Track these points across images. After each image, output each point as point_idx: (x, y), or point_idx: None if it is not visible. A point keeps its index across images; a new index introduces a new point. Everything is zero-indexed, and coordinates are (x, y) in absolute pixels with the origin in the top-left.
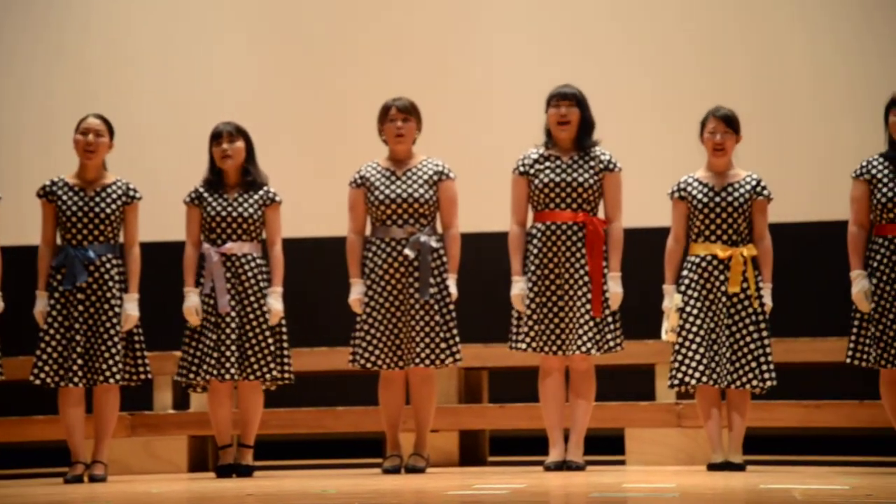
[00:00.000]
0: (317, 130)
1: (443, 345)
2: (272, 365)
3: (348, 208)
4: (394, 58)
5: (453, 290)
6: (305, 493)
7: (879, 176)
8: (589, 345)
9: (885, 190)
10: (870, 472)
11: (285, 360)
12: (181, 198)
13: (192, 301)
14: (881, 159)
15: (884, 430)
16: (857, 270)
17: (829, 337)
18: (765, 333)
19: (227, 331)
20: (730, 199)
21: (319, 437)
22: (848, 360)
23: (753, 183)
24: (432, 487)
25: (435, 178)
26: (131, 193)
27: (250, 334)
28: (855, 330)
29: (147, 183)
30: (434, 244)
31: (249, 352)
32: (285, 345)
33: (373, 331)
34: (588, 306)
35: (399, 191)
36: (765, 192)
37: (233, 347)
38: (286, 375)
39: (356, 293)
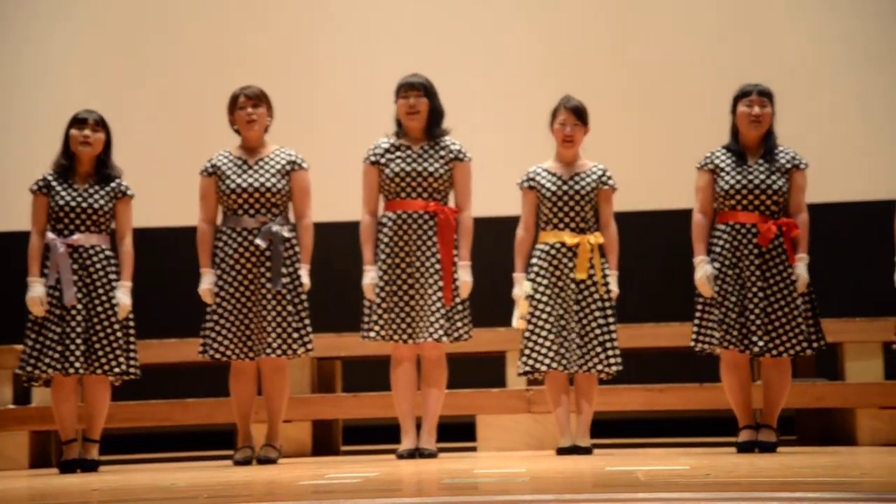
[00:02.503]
0: (167, 121)
1: (295, 335)
2: (121, 359)
3: (199, 197)
4: (245, 47)
5: (306, 279)
6: (153, 487)
7: (722, 166)
8: (440, 333)
9: (727, 178)
10: (709, 453)
11: (132, 354)
12: (27, 186)
13: (36, 291)
14: (724, 150)
15: (723, 412)
16: (701, 256)
17: (672, 322)
18: (611, 320)
19: (73, 324)
20: (577, 188)
21: (168, 429)
22: (692, 345)
23: (599, 173)
24: (284, 478)
25: (287, 167)
26: None
27: (97, 328)
28: (698, 314)
29: None
30: (286, 234)
31: (97, 345)
32: (132, 339)
33: (223, 321)
34: (439, 294)
35: (251, 180)
36: (610, 182)
37: (78, 341)
38: (132, 370)
39: (206, 283)
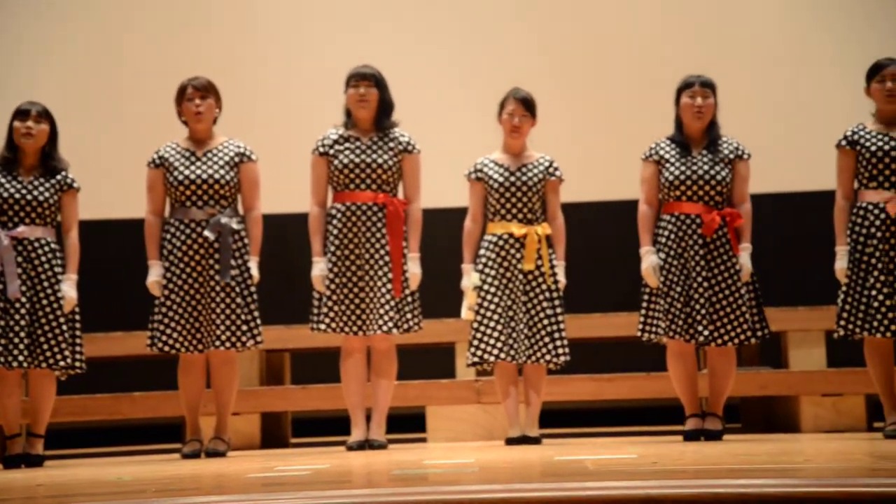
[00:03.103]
0: (114, 112)
1: (244, 327)
2: (66, 353)
3: (146, 189)
4: (192, 38)
5: (255, 272)
6: (99, 482)
7: (667, 157)
8: (390, 324)
9: (672, 169)
10: (656, 441)
11: (77, 348)
12: None
13: None
14: (668, 141)
15: (669, 401)
16: (646, 247)
17: (619, 312)
18: (559, 310)
19: (17, 317)
20: (524, 179)
21: (115, 423)
22: (639, 334)
23: (546, 164)
24: (233, 471)
25: (236, 159)
26: None
27: (42, 321)
28: (644, 304)
29: None
30: (235, 226)
31: (42, 339)
32: (78, 332)
33: (171, 314)
34: (389, 286)
35: (199, 172)
36: (557, 173)
37: (21, 334)
38: (78, 364)
39: (154, 275)
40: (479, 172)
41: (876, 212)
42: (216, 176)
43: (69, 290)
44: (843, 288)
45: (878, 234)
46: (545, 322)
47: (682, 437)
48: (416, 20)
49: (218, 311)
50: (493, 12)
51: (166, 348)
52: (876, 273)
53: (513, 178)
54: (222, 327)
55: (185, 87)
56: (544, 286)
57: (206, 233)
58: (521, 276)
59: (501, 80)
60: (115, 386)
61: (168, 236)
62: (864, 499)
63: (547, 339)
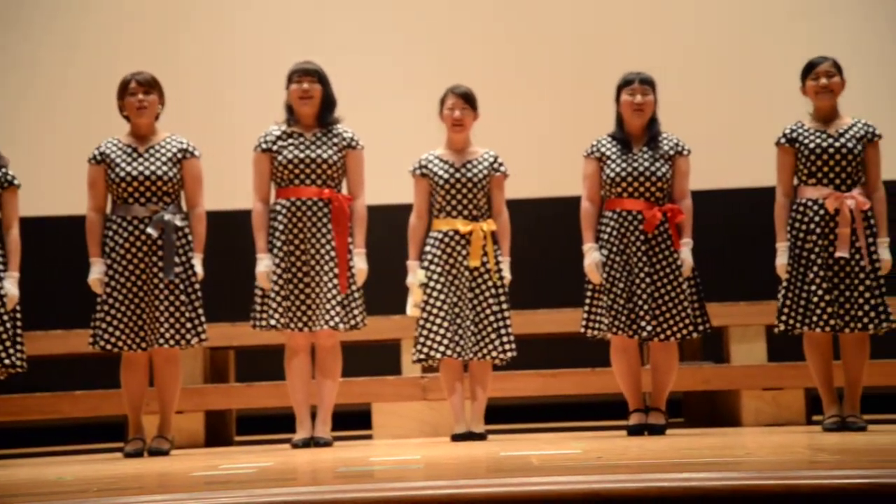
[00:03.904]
0: (54, 108)
1: (188, 325)
2: (10, 351)
3: (87, 185)
4: (134, 33)
5: (199, 269)
6: (39, 482)
7: (608, 154)
8: (336, 320)
9: (613, 166)
10: (600, 436)
11: (19, 346)
12: None
13: None
14: (609, 138)
15: (613, 396)
16: (589, 244)
17: (564, 308)
18: (505, 306)
19: None
20: (469, 175)
21: (56, 422)
22: (582, 330)
23: (491, 160)
24: (176, 469)
25: (179, 155)
26: None
27: None
28: (588, 301)
29: None
30: (178, 223)
31: None
32: (19, 331)
33: (114, 311)
34: (335, 282)
35: (141, 168)
36: (502, 169)
37: None
38: (19, 363)
39: (96, 273)
40: (424, 168)
41: (815, 208)
42: (159, 172)
43: (11, 287)
44: (784, 283)
45: (818, 231)
46: (491, 318)
47: (626, 432)
48: (358, 16)
49: (161, 308)
50: (437, 8)
51: (108, 346)
52: (815, 269)
53: (458, 175)
54: (166, 325)
55: (127, 81)
56: (490, 282)
57: (149, 230)
58: (466, 273)
59: (445, 77)
60: (55, 385)
61: (110, 233)
62: (803, 491)
63: (493, 335)
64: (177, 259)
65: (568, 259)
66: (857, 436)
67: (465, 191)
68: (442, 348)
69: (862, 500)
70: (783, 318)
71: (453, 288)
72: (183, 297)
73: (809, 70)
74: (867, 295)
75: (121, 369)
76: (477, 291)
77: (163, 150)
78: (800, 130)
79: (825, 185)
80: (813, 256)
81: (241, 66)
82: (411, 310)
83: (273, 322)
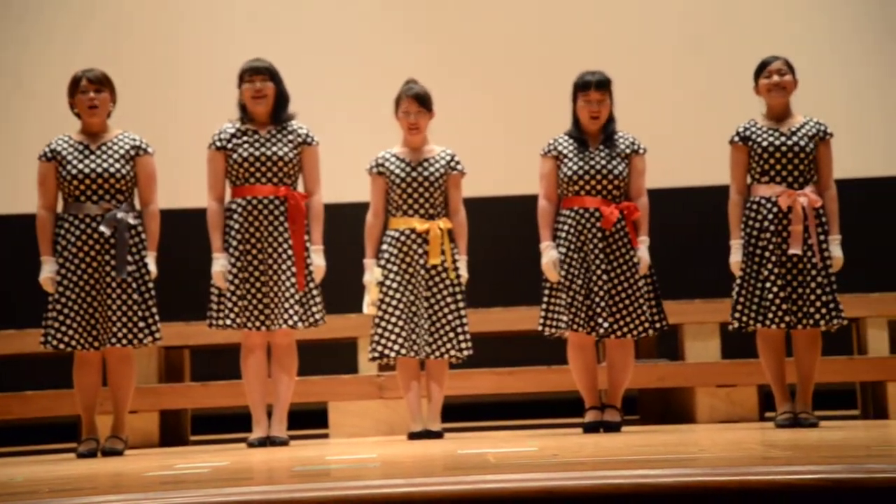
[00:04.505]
0: (4, 105)
1: (141, 324)
2: None
3: (38, 183)
4: (84, 30)
5: (152, 267)
6: None
7: (565, 152)
8: (294, 318)
9: (570, 164)
10: (556, 434)
11: None
12: None
13: None
14: (566, 137)
15: (569, 394)
16: (546, 242)
17: (520, 306)
18: (461, 304)
19: None
20: (426, 174)
21: (7, 423)
22: (540, 328)
23: (448, 158)
24: (130, 470)
25: (132, 152)
26: None
27: None
28: (546, 298)
29: None
30: (131, 221)
31: None
32: None
33: (66, 310)
34: (292, 280)
35: (93, 165)
36: (458, 167)
37: None
38: None
39: (47, 272)
40: (381, 167)
41: (769, 206)
42: (111, 170)
43: None
44: (738, 281)
45: (771, 228)
46: (448, 317)
47: (582, 430)
48: (313, 13)
49: (114, 307)
50: (393, 5)
51: (61, 346)
52: (769, 266)
53: (414, 174)
54: (119, 324)
55: (78, 78)
56: (447, 281)
57: (102, 228)
58: (423, 272)
59: (401, 74)
60: (6, 385)
61: (62, 232)
62: (755, 487)
63: (450, 334)
64: (130, 257)
65: (523, 257)
66: (809, 432)
67: (421, 189)
68: (398, 347)
69: (813, 495)
70: (737, 315)
71: (410, 286)
72: (136, 296)
73: (762, 69)
74: (819, 292)
75: (73, 369)
76: (434, 290)
77: (115, 148)
78: (753, 129)
79: (778, 183)
80: (767, 254)
81: (194, 63)
82: (367, 308)
83: (230, 322)
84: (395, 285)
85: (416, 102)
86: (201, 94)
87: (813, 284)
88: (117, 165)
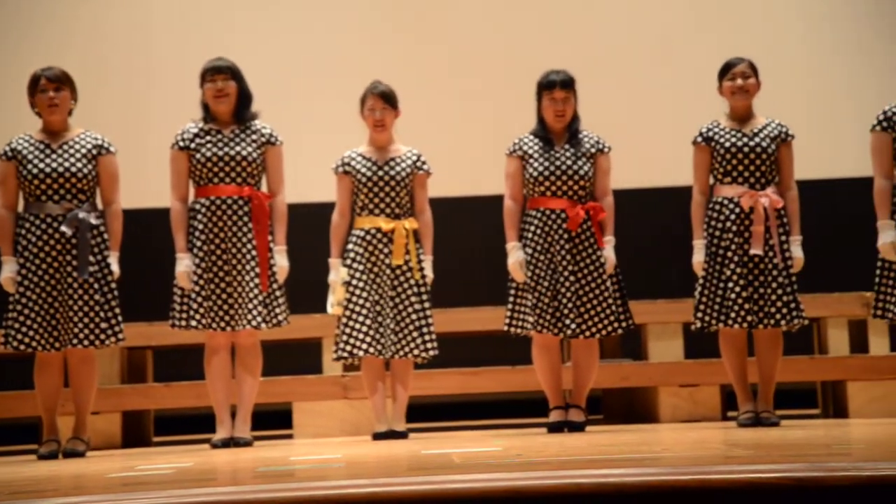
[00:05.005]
0: None
1: (103, 324)
2: None
3: None
4: (46, 27)
5: (115, 267)
6: None
7: (530, 152)
8: (259, 319)
9: (535, 165)
10: (521, 434)
11: None
12: None
13: None
14: (531, 136)
15: (534, 394)
16: (513, 243)
17: (486, 306)
18: (426, 304)
19: None
20: (392, 173)
21: None
22: (505, 328)
23: (414, 158)
24: (92, 471)
25: (94, 151)
26: None
27: None
28: (511, 299)
29: None
30: (93, 221)
31: None
32: None
33: (27, 311)
34: (256, 281)
35: (55, 164)
36: (425, 167)
37: None
38: None
39: (7, 271)
40: (347, 166)
41: (731, 206)
42: (73, 169)
43: None
44: (700, 281)
45: (734, 228)
46: (413, 316)
47: (546, 429)
48: (279, 10)
49: (76, 308)
50: (356, 5)
51: (22, 346)
52: (731, 266)
53: (380, 173)
54: (80, 325)
55: (37, 77)
56: (412, 281)
57: (63, 228)
58: (388, 271)
59: (367, 73)
60: None
61: (23, 231)
62: (718, 486)
63: (416, 334)
64: (92, 258)
65: (489, 257)
66: (771, 431)
67: (387, 189)
68: (363, 346)
69: (775, 494)
70: (699, 314)
71: (375, 286)
72: (98, 297)
73: (726, 71)
74: (780, 292)
75: (34, 370)
76: (399, 290)
77: (77, 147)
78: (716, 129)
79: (740, 184)
80: (729, 254)
81: (156, 62)
82: (332, 308)
83: (194, 323)
84: (361, 284)
85: (381, 99)
86: (167, 94)
87: (774, 284)
88: (79, 165)
